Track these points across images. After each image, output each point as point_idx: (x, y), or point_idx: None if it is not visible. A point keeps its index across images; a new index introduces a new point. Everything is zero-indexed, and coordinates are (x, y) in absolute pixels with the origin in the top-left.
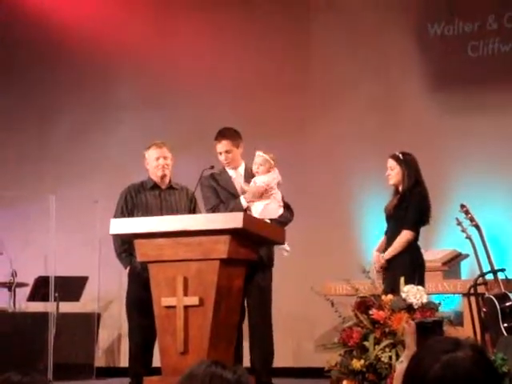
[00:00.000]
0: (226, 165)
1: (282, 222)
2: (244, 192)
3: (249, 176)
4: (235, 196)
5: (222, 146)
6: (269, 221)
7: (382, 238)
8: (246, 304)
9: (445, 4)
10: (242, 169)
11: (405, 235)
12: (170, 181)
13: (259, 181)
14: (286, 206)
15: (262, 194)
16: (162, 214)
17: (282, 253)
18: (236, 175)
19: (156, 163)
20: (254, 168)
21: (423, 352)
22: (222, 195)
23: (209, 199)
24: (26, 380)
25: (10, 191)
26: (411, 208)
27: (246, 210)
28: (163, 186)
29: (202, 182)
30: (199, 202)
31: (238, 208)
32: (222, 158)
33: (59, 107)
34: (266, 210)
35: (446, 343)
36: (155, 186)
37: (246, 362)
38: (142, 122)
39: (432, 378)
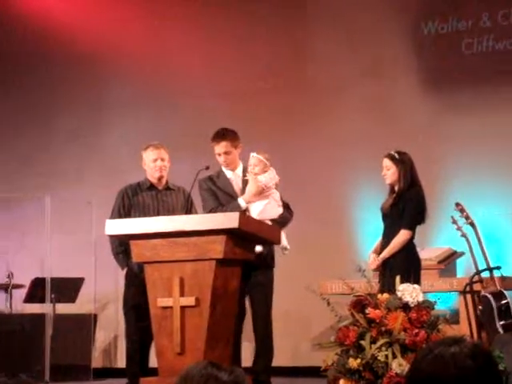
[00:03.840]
0: (224, 166)
1: (281, 221)
2: (243, 193)
3: None
4: (234, 198)
5: (221, 147)
6: (269, 221)
7: (378, 240)
8: (247, 303)
9: (439, 2)
10: (239, 170)
11: (402, 235)
12: (166, 182)
13: (258, 180)
14: (286, 206)
15: (261, 194)
16: (158, 215)
17: (282, 252)
18: (234, 176)
19: (153, 164)
20: (249, 169)
21: (426, 346)
22: (221, 197)
23: (207, 202)
24: (12, 383)
25: (5, 193)
26: (408, 208)
27: (245, 211)
28: (160, 187)
29: (200, 185)
30: (195, 203)
31: (237, 209)
32: (221, 159)
33: (54, 109)
34: (266, 210)
35: (447, 339)
36: (152, 187)
37: (245, 361)
38: (136, 123)
39: (423, 368)
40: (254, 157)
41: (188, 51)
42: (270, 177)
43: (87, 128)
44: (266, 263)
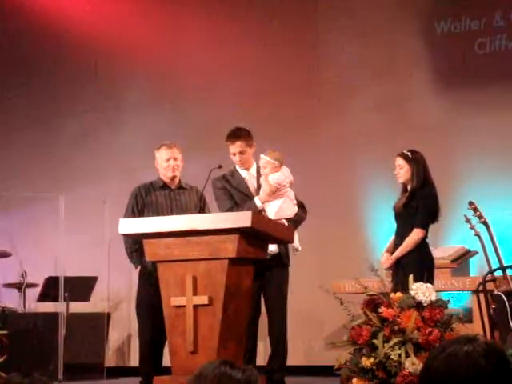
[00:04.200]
0: (239, 165)
1: (297, 220)
2: (258, 193)
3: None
4: (249, 197)
5: (236, 146)
6: (285, 220)
7: (391, 239)
8: (262, 303)
9: (452, 1)
10: (253, 169)
11: (415, 234)
12: (179, 181)
13: (270, 179)
14: (300, 205)
15: (274, 193)
16: (171, 214)
17: (293, 252)
18: (248, 176)
19: (166, 164)
20: (261, 171)
21: (439, 345)
22: (236, 196)
23: (223, 201)
24: (27, 381)
25: (20, 192)
26: (421, 207)
27: (261, 211)
28: (173, 186)
29: (214, 184)
30: (208, 201)
31: (254, 209)
32: (236, 158)
33: (68, 108)
34: (282, 209)
35: (460, 338)
36: (165, 186)
37: (259, 360)
38: (149, 123)
39: (436, 367)
40: (262, 158)
41: (203, 51)
42: (285, 175)
43: (100, 127)
44: (281, 262)
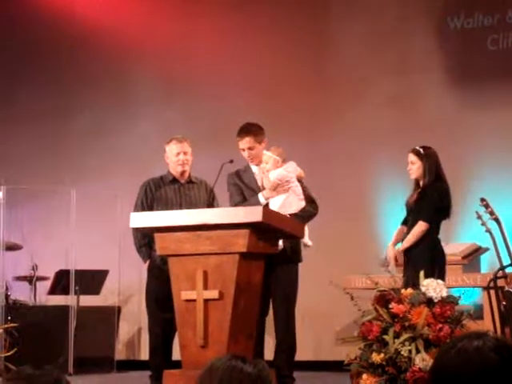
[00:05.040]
0: (249, 161)
1: (303, 216)
2: (263, 188)
3: None
4: (257, 193)
5: (245, 142)
6: (289, 215)
7: (396, 230)
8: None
9: None
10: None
11: (419, 226)
12: (189, 175)
13: (271, 175)
14: (311, 200)
15: (276, 188)
16: (181, 208)
17: (304, 247)
18: (259, 171)
19: (176, 158)
20: (262, 166)
21: (449, 341)
22: (246, 192)
23: (232, 197)
24: (38, 373)
25: (31, 185)
26: (429, 201)
27: (265, 206)
28: (182, 181)
29: (227, 180)
30: (218, 196)
31: (257, 205)
32: (245, 154)
33: (80, 101)
34: (284, 204)
35: (471, 334)
36: (174, 180)
37: (268, 355)
38: (161, 117)
39: (447, 363)
40: (264, 154)
41: (214, 46)
42: (289, 170)
43: (113, 122)
44: (287, 258)
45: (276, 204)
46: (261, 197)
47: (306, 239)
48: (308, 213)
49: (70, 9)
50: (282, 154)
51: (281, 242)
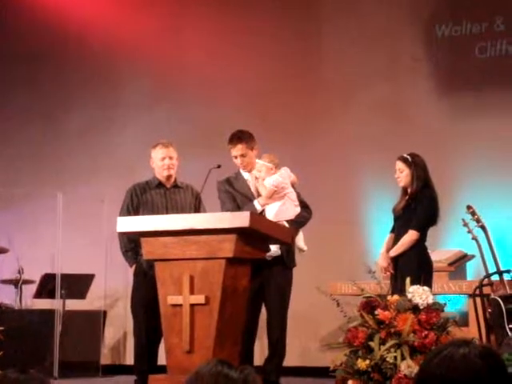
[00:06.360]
0: (242, 168)
1: (299, 221)
2: (258, 195)
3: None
4: (251, 199)
5: (237, 150)
6: (285, 222)
7: (386, 238)
8: (264, 304)
9: (452, 5)
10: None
11: (410, 235)
12: (175, 180)
13: (267, 183)
14: (305, 205)
15: (273, 196)
16: (167, 213)
17: (299, 252)
18: (251, 178)
19: (162, 163)
20: (256, 174)
21: (435, 347)
22: (239, 199)
23: (225, 204)
24: (23, 378)
25: (17, 189)
26: (419, 209)
27: (260, 214)
28: (168, 185)
29: (218, 188)
30: (205, 201)
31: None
32: (237, 161)
33: (67, 106)
34: (281, 211)
35: (457, 341)
36: (160, 185)
37: (257, 360)
38: (149, 121)
39: (433, 370)
40: (257, 163)
41: (202, 49)
42: (284, 176)
43: (100, 125)
44: (282, 263)
45: (272, 211)
46: (257, 204)
47: (302, 244)
48: (303, 218)
49: (59, 13)
50: (274, 160)
51: (277, 248)
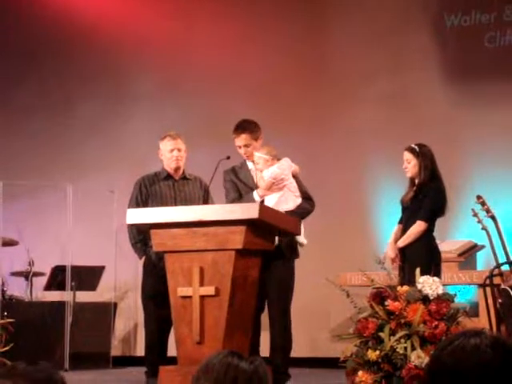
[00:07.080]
0: (245, 158)
1: (299, 212)
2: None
3: None
4: (253, 189)
5: (241, 139)
6: (284, 213)
7: (394, 228)
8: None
9: None
10: None
11: (418, 226)
12: (183, 171)
13: (265, 174)
14: (307, 197)
15: (271, 187)
16: (175, 205)
17: (299, 246)
18: (255, 168)
19: (170, 155)
20: (255, 167)
21: (446, 338)
22: (241, 189)
23: (229, 193)
24: (30, 369)
25: (28, 181)
26: (427, 200)
27: (261, 203)
28: (177, 177)
29: (223, 177)
30: (214, 193)
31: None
32: (241, 151)
33: (76, 98)
34: (280, 202)
35: (467, 331)
36: (169, 177)
37: (264, 352)
38: (158, 113)
39: (444, 360)
40: (255, 155)
41: (211, 43)
42: (283, 167)
43: (109, 117)
44: (281, 255)
45: (271, 202)
46: (255, 195)
47: (302, 238)
48: (304, 209)
49: (67, 5)
50: (271, 152)
51: (276, 239)
